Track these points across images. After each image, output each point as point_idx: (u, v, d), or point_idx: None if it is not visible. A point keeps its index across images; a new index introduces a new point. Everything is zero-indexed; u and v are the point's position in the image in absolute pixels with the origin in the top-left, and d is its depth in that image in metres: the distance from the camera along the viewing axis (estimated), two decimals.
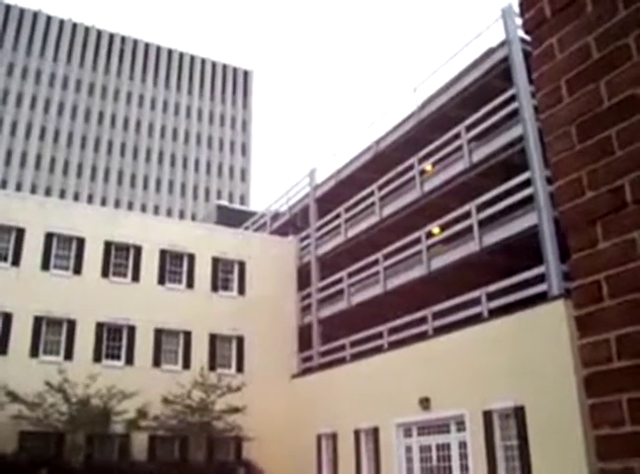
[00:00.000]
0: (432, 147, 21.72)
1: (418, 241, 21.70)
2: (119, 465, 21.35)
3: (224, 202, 51.95)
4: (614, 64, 1.69)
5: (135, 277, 24.57)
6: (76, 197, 67.71)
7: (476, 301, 18.91)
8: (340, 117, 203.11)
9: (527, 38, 2.02)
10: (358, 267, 24.43)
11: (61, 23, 76.47)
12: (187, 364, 24.21)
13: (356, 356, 23.12)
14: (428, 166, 22.15)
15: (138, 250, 24.83)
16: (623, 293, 1.59)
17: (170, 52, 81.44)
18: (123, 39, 79.15)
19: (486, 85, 20.17)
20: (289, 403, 24.67)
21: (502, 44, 19.49)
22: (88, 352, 22.89)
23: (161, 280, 24.95)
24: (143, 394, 21.56)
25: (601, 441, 1.60)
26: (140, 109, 76.30)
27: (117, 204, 68.54)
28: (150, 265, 24.84)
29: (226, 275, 26.41)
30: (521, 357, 15.81)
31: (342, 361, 23.73)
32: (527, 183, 17.75)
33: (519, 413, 15.77)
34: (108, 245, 24.36)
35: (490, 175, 19.63)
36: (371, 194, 24.31)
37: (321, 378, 24.15)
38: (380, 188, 23.88)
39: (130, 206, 68.77)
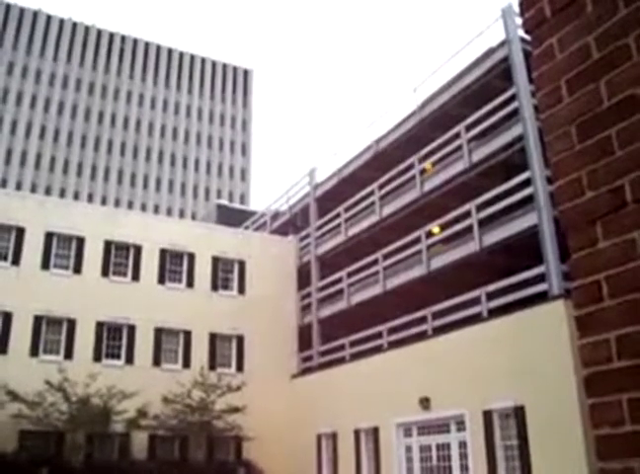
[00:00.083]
0: (432, 146, 21.71)
1: (418, 241, 21.70)
2: (119, 464, 21.36)
3: (224, 202, 51.93)
4: (614, 64, 1.69)
5: (135, 277, 24.58)
6: (76, 197, 67.73)
7: (476, 301, 18.91)
8: (340, 116, 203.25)
9: (527, 37, 2.02)
10: (357, 266, 24.43)
11: (61, 22, 76.47)
12: (187, 364, 24.21)
13: (355, 356, 23.12)
14: (428, 165, 22.15)
15: (138, 249, 24.83)
16: (623, 293, 1.59)
17: (170, 52, 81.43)
18: (123, 38, 79.14)
19: (486, 84, 20.17)
20: (289, 403, 24.67)
21: (502, 44, 19.49)
22: (88, 351, 22.89)
23: (161, 280, 24.95)
24: (143, 393, 21.56)
25: (602, 441, 1.60)
26: (140, 108, 76.30)
27: (117, 204, 68.54)
28: (150, 264, 24.85)
29: (226, 274, 26.42)
30: (522, 357, 15.81)
31: (342, 361, 23.73)
32: (527, 182, 17.75)
33: (519, 413, 15.77)
34: (108, 244, 24.37)
35: (490, 174, 19.62)
36: (371, 193, 24.31)
37: (321, 378, 24.15)
38: (381, 187, 23.87)
39: (130, 206, 68.76)
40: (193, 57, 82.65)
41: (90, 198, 68.25)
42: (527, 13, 1.97)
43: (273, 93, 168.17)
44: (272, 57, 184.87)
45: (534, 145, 17.45)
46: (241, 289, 26.36)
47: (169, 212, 70.80)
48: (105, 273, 24.10)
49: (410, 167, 22.64)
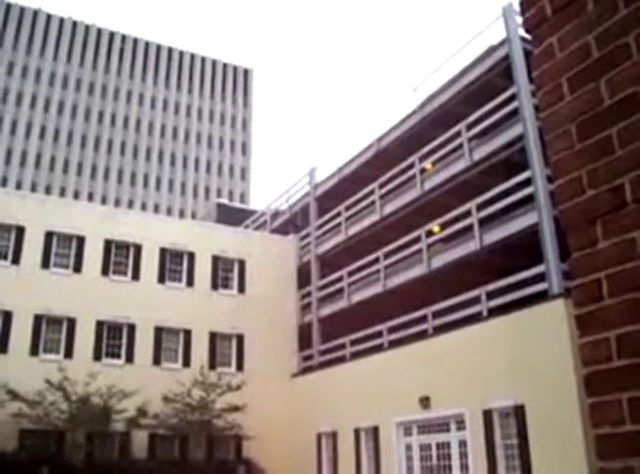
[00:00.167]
0: (433, 145, 21.71)
1: (418, 240, 21.70)
2: (119, 463, 21.38)
3: (224, 201, 51.90)
4: (615, 63, 1.69)
5: (135, 276, 24.58)
6: (76, 196, 67.73)
7: (476, 300, 18.91)
8: (341, 115, 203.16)
9: (528, 36, 2.02)
10: (358, 265, 24.43)
11: (61, 21, 76.45)
12: (187, 363, 24.22)
13: (356, 355, 23.12)
14: (428, 164, 22.15)
15: (138, 248, 24.84)
16: (623, 292, 1.59)
17: (170, 51, 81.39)
18: (124, 37, 79.11)
19: (487, 83, 20.16)
20: (289, 402, 24.68)
21: (502, 43, 19.48)
22: (88, 350, 22.90)
23: (161, 279, 24.96)
24: (143, 392, 21.58)
25: (602, 440, 1.60)
26: (140, 107, 76.29)
27: (117, 203, 68.54)
28: (150, 263, 24.86)
29: (226, 273, 26.43)
30: (522, 356, 15.81)
31: (342, 360, 23.74)
32: (528, 181, 17.74)
33: (518, 412, 15.77)
34: (108, 243, 24.37)
35: (490, 173, 19.62)
36: (372, 192, 24.30)
37: (321, 377, 24.16)
38: (381, 186, 23.87)
39: (130, 205, 68.76)
40: (193, 57, 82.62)
41: (90, 198, 68.26)
42: (528, 12, 1.97)
43: (273, 92, 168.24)
44: (272, 57, 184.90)
45: (535, 144, 17.44)
46: (241, 288, 26.37)
47: (169, 212, 70.80)
48: (105, 272, 24.11)
49: (411, 166, 22.64)
